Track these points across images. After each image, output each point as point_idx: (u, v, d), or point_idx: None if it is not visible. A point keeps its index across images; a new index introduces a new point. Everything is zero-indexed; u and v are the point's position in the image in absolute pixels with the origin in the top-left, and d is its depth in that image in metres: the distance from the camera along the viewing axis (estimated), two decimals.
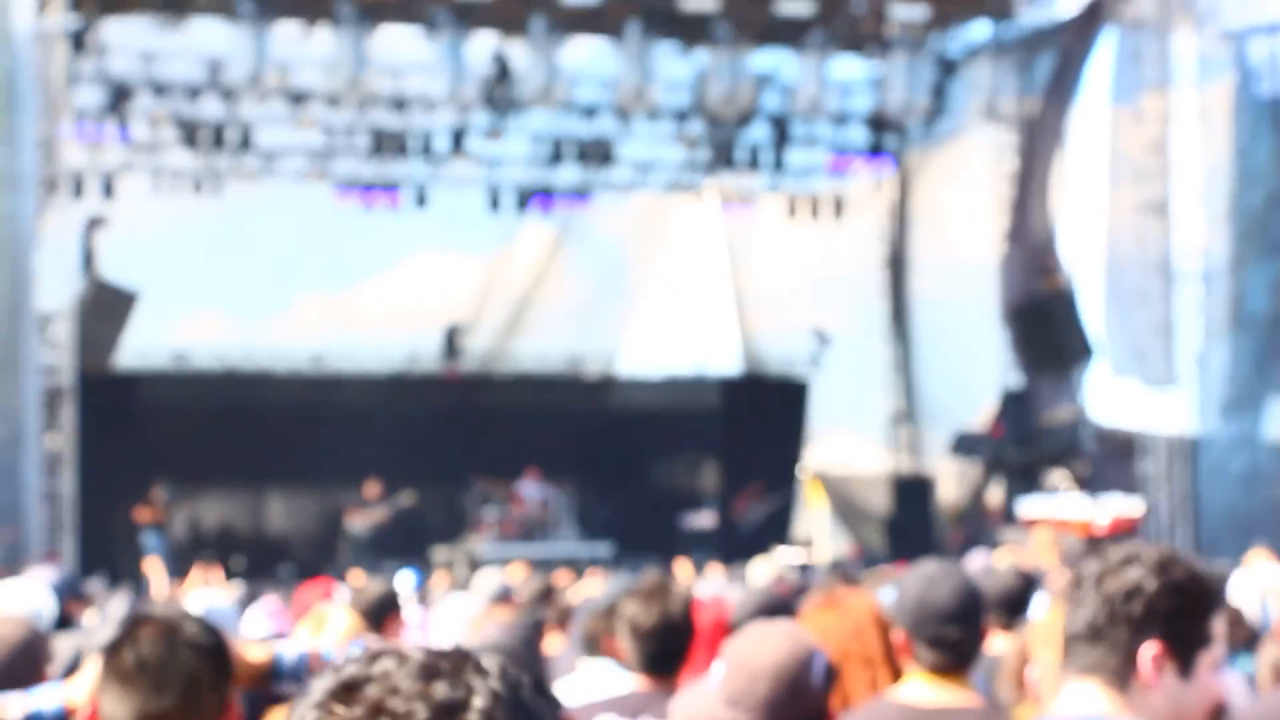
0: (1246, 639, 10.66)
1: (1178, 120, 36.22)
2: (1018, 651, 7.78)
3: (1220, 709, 4.67)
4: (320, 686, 2.25)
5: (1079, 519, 32.20)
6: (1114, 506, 32.62)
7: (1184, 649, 4.17)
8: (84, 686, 4.34)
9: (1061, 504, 33.81)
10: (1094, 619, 4.19)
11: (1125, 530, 31.45)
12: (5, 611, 9.31)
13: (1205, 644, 4.24)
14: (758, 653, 5.16)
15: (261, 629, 11.77)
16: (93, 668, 4.49)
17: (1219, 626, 4.31)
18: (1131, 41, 36.70)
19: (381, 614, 10.63)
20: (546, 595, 13.44)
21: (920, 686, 6.06)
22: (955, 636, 6.03)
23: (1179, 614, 4.21)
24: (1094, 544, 27.86)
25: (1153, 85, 36.18)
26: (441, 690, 2.18)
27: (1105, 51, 38.08)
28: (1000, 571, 13.76)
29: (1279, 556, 21.45)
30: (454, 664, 2.25)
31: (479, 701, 2.19)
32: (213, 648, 4.30)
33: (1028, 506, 33.52)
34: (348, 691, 2.20)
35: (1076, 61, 39.34)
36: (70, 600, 12.50)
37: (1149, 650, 4.13)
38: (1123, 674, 4.15)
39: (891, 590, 8.28)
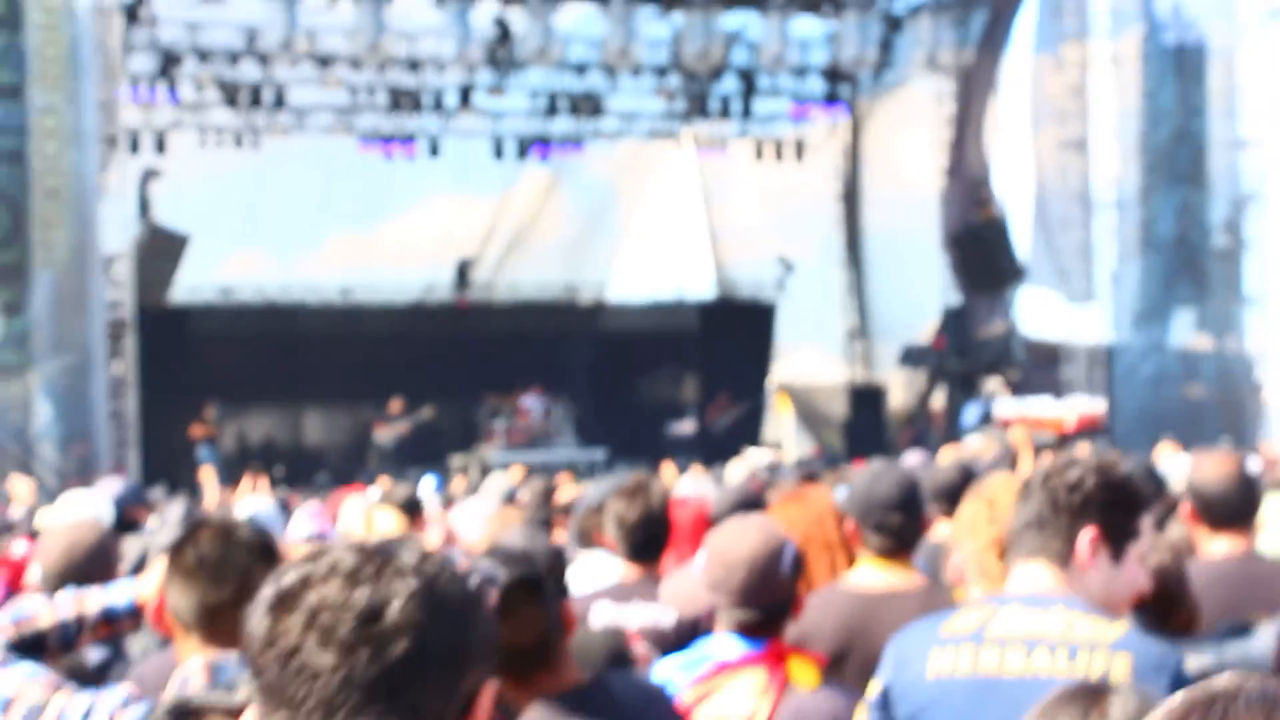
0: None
1: (1094, 67, 36.14)
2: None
3: (1143, 596, 4.89)
4: (267, 593, 2.36)
5: (1050, 417, 32.18)
6: (1080, 405, 32.61)
7: (1116, 538, 4.33)
8: (151, 582, 4.33)
9: (1035, 404, 33.79)
10: (1040, 510, 4.34)
11: (1090, 426, 31.41)
12: (78, 517, 9.42)
13: (1134, 537, 4.40)
14: (734, 545, 5.21)
15: (304, 530, 11.86)
16: (159, 566, 4.48)
17: (1146, 524, 4.54)
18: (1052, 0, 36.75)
19: (411, 513, 10.79)
20: (548, 496, 13.52)
21: (870, 571, 6.17)
22: (896, 523, 6.12)
23: (1112, 506, 4.36)
24: (1063, 439, 27.90)
25: (1072, 37, 36.12)
26: (363, 596, 2.26)
27: (1030, 7, 38.01)
28: (941, 466, 13.79)
29: (1183, 447, 21.61)
30: (377, 568, 2.31)
31: (396, 603, 2.27)
32: (263, 546, 4.37)
33: (1005, 407, 33.41)
34: (287, 599, 2.31)
35: (1006, 17, 39.19)
36: (135, 506, 12.58)
37: (1086, 535, 4.28)
38: (1064, 556, 4.28)
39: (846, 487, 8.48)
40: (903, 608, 5.74)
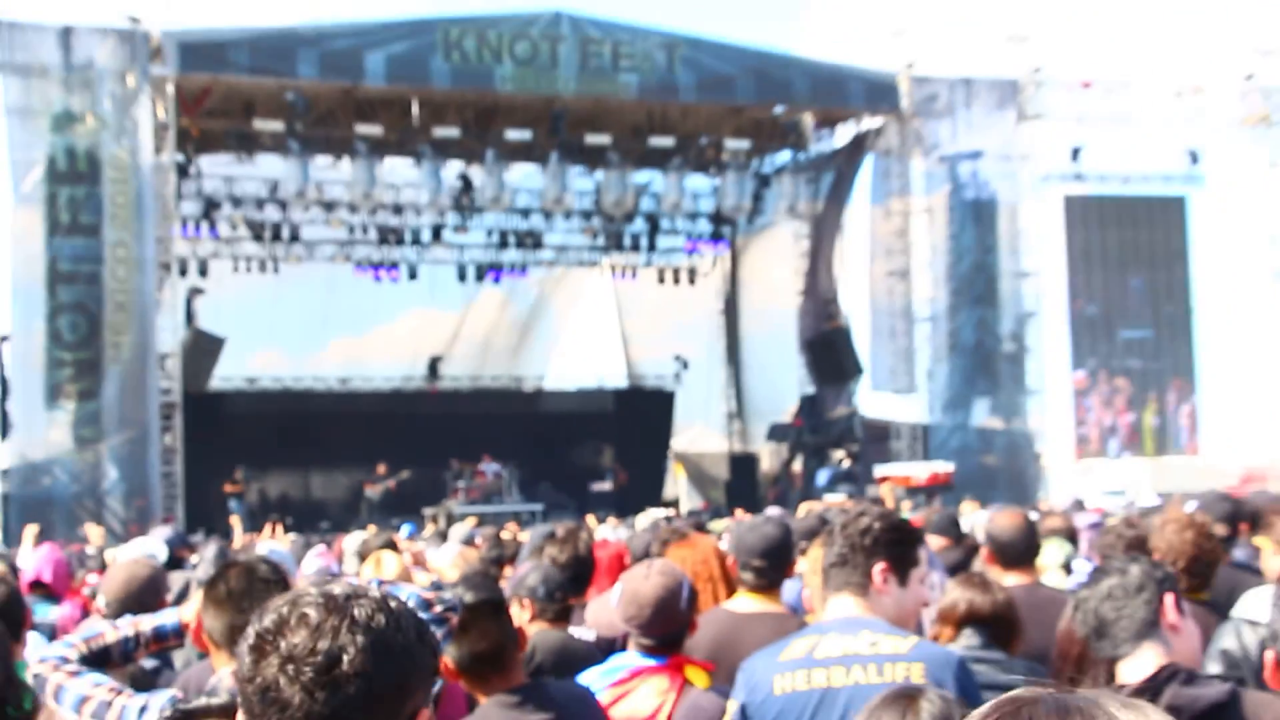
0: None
1: (913, 215, 36.44)
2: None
3: (926, 605, 4.97)
4: (250, 633, 2.36)
5: (909, 475, 32.23)
6: (932, 467, 32.67)
7: (901, 568, 4.43)
8: (192, 608, 4.38)
9: (898, 465, 33.87)
10: (842, 551, 4.43)
11: (940, 482, 31.47)
12: (136, 556, 9.40)
13: (915, 564, 4.52)
14: (641, 588, 5.27)
15: (314, 565, 11.81)
16: (197, 595, 4.50)
17: (923, 554, 4.61)
18: (883, 163, 37.00)
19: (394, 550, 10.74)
20: (499, 540, 13.46)
21: (744, 600, 6.21)
22: (762, 565, 6.16)
23: (895, 543, 4.46)
24: (922, 492, 27.96)
25: (896, 193, 36.51)
26: (323, 646, 2.25)
27: (866, 170, 38.25)
28: (804, 515, 13.89)
29: (980, 504, 21.68)
30: (336, 623, 2.30)
31: (348, 655, 2.25)
32: (279, 580, 4.33)
33: (883, 469, 33.48)
34: (265, 642, 2.31)
35: (848, 177, 39.41)
36: (181, 548, 12.54)
37: (878, 568, 4.38)
38: (864, 586, 4.38)
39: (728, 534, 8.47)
40: (762, 627, 5.80)
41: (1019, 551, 7.35)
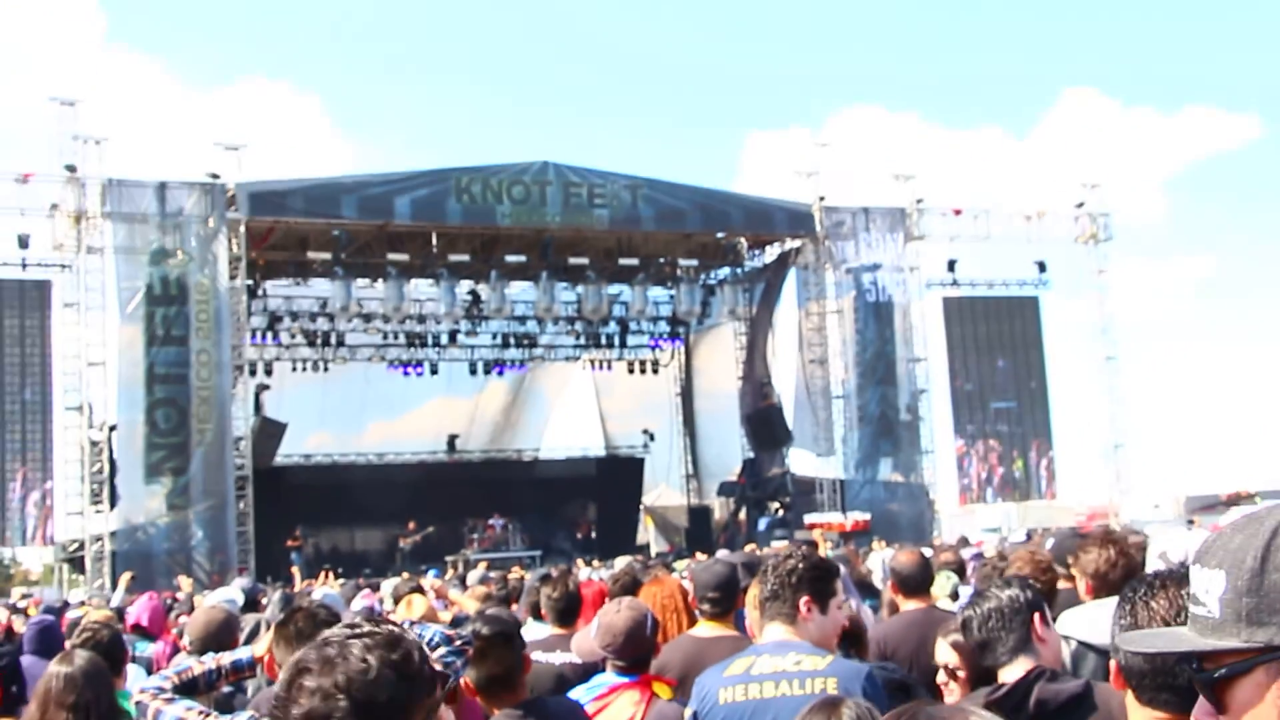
0: (872, 591, 10.73)
1: (828, 315, 36.61)
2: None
3: (844, 629, 4.95)
4: (291, 664, 2.32)
5: (836, 522, 32.09)
6: (855, 517, 32.53)
7: (822, 599, 4.35)
8: (264, 644, 4.37)
9: (825, 515, 33.73)
10: (774, 588, 4.38)
11: (859, 528, 31.32)
12: (216, 602, 9.34)
13: (833, 595, 4.44)
14: (615, 620, 5.22)
15: (360, 605, 11.73)
16: (269, 634, 4.45)
17: (839, 586, 4.58)
18: (803, 275, 37.14)
19: (422, 592, 10.64)
20: (506, 581, 13.35)
21: (703, 627, 6.07)
22: (716, 596, 6.04)
23: (817, 580, 4.40)
24: (846, 535, 27.80)
25: (814, 297, 36.68)
26: (346, 685, 2.22)
27: (790, 281, 38.33)
28: (750, 556, 13.81)
29: (886, 543, 21.66)
30: (360, 666, 2.26)
31: (367, 692, 2.23)
32: (332, 620, 4.09)
33: (811, 517, 33.27)
34: (301, 675, 2.27)
35: (776, 286, 39.52)
36: (257, 594, 12.47)
37: (803, 600, 4.33)
38: (792, 616, 4.32)
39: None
40: (720, 648, 5.74)
41: (917, 582, 7.31)
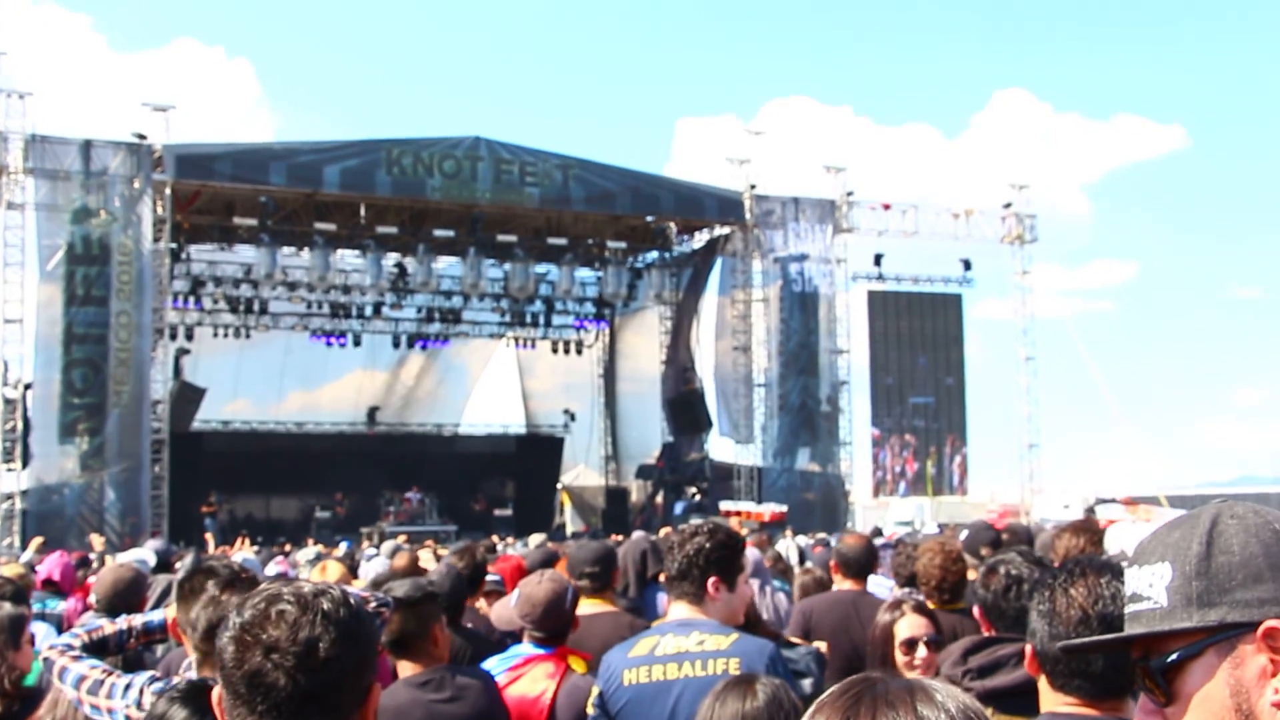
0: (784, 571, 10.82)
1: (753, 304, 36.74)
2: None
3: (751, 604, 4.95)
4: (232, 623, 2.26)
5: (753, 511, 32.15)
6: (771, 507, 32.55)
7: (729, 576, 4.31)
8: (174, 609, 4.32)
9: (741, 502, 33.72)
10: (681, 567, 4.33)
11: (777, 518, 31.39)
12: (127, 561, 9.28)
13: (740, 572, 4.41)
14: (535, 591, 5.20)
15: (274, 571, 11.64)
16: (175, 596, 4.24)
17: (746, 561, 4.55)
18: (730, 262, 37.30)
19: (343, 563, 10.61)
20: (465, 553, 13.28)
21: (583, 605, 5.91)
22: (594, 572, 6.12)
23: (724, 559, 4.35)
24: (764, 525, 27.83)
25: (740, 285, 36.79)
26: (303, 637, 2.19)
27: (717, 269, 38.49)
28: (664, 537, 13.85)
29: (796, 532, 21.80)
30: (311, 618, 2.23)
31: (324, 643, 2.20)
32: (239, 580, 3.99)
33: (726, 504, 33.19)
34: (248, 633, 2.22)
35: (703, 273, 39.69)
36: (171, 557, 12.37)
37: (711, 580, 4.30)
38: (699, 595, 4.29)
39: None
40: (601, 624, 5.75)
41: (860, 565, 7.41)
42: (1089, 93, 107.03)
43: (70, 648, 3.94)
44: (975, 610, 4.29)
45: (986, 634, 4.05)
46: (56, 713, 4.01)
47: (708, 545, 4.38)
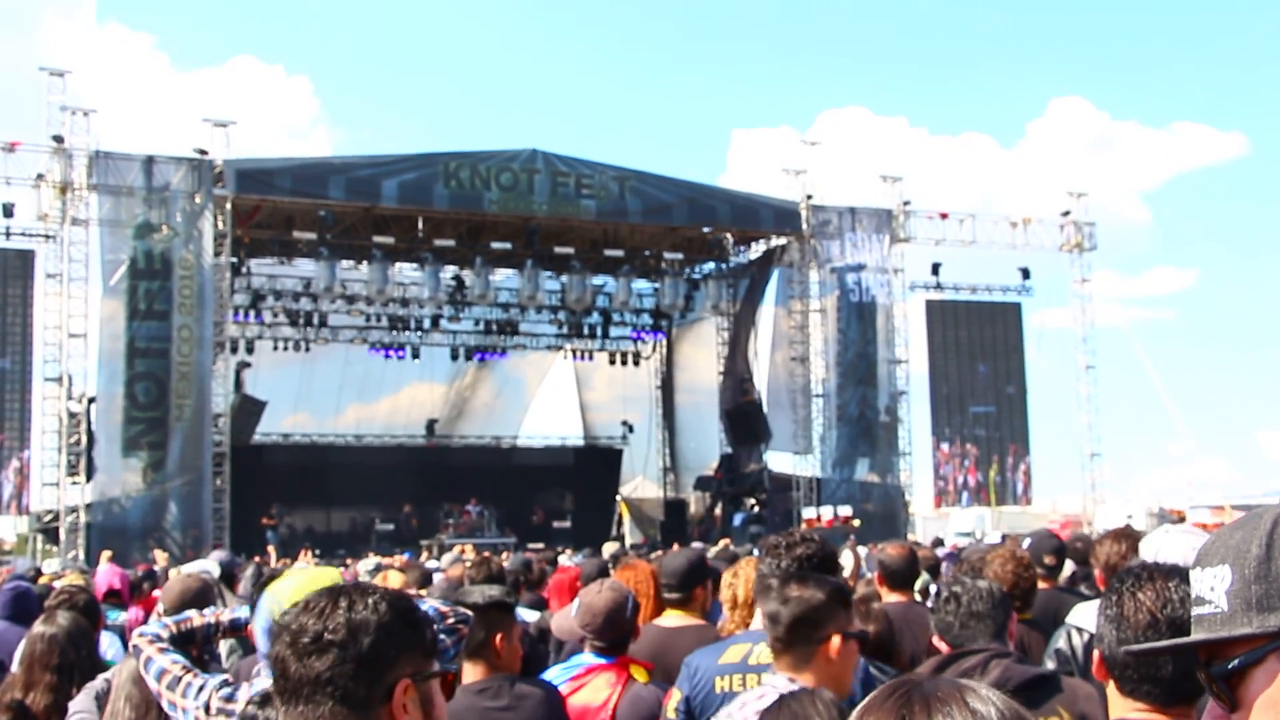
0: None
1: (810, 314, 36.63)
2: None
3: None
4: (285, 624, 2.36)
5: (825, 516, 32.02)
6: (840, 511, 32.46)
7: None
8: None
9: (812, 510, 33.66)
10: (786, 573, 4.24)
11: (845, 522, 31.30)
12: (192, 573, 9.34)
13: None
14: (596, 600, 5.20)
15: None
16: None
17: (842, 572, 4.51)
18: (786, 273, 37.14)
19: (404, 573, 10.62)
20: (482, 564, 13.33)
21: (670, 616, 6.07)
22: (680, 584, 6.06)
23: (820, 569, 4.24)
24: (830, 532, 27.74)
25: (797, 296, 36.67)
26: (314, 624, 2.29)
27: (774, 279, 38.34)
28: (724, 549, 13.85)
29: (860, 543, 21.64)
30: (328, 605, 2.32)
31: (331, 626, 2.28)
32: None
33: (808, 511, 33.14)
34: (279, 624, 2.36)
35: (760, 283, 39.53)
36: (233, 568, 12.46)
37: None
38: None
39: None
40: (686, 638, 5.72)
41: (903, 576, 7.34)
42: (1147, 100, 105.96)
43: (159, 638, 3.99)
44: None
45: (948, 652, 4.00)
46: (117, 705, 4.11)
47: (811, 555, 4.34)
